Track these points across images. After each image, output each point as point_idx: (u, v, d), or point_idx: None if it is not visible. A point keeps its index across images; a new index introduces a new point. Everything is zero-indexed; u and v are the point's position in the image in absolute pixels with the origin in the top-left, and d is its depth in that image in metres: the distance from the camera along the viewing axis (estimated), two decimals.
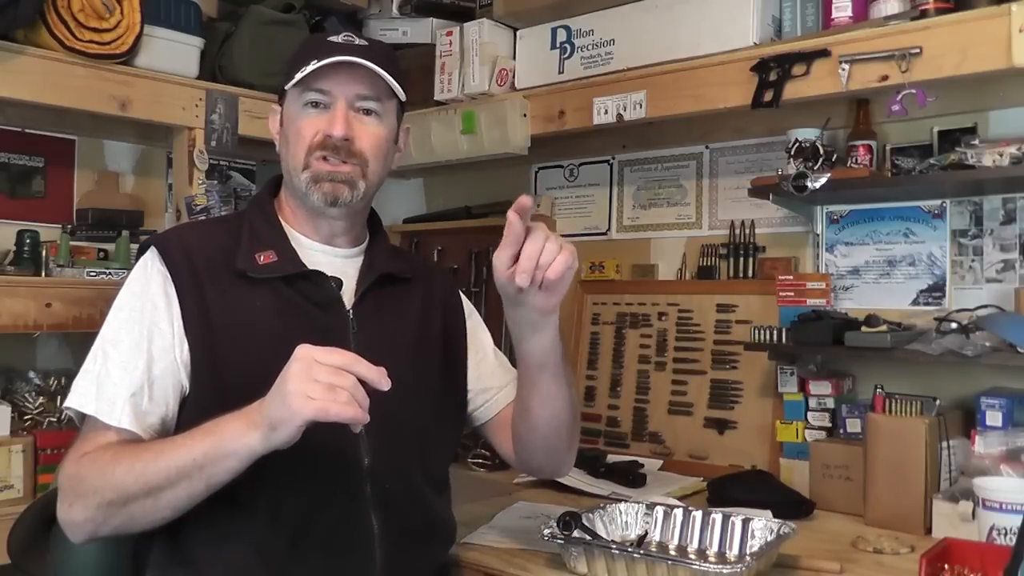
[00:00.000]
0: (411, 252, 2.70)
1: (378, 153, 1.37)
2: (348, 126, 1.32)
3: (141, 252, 1.34)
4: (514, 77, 2.39)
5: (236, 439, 1.10)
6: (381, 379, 1.08)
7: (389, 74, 1.34)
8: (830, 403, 1.97)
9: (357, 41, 1.35)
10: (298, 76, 1.32)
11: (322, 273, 1.35)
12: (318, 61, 1.30)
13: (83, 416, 1.24)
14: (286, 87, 1.37)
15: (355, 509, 1.27)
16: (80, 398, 1.23)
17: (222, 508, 1.19)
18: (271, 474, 1.16)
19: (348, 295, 1.36)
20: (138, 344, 1.24)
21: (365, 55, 1.32)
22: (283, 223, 1.40)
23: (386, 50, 1.42)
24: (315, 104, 1.34)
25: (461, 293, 1.58)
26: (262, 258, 1.32)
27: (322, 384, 1.05)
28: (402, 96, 1.39)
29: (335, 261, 1.39)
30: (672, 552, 1.52)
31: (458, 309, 1.55)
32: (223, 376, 1.24)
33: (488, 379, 1.52)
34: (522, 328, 1.28)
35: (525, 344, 1.30)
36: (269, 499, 1.22)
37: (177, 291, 1.27)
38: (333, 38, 1.35)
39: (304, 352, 1.08)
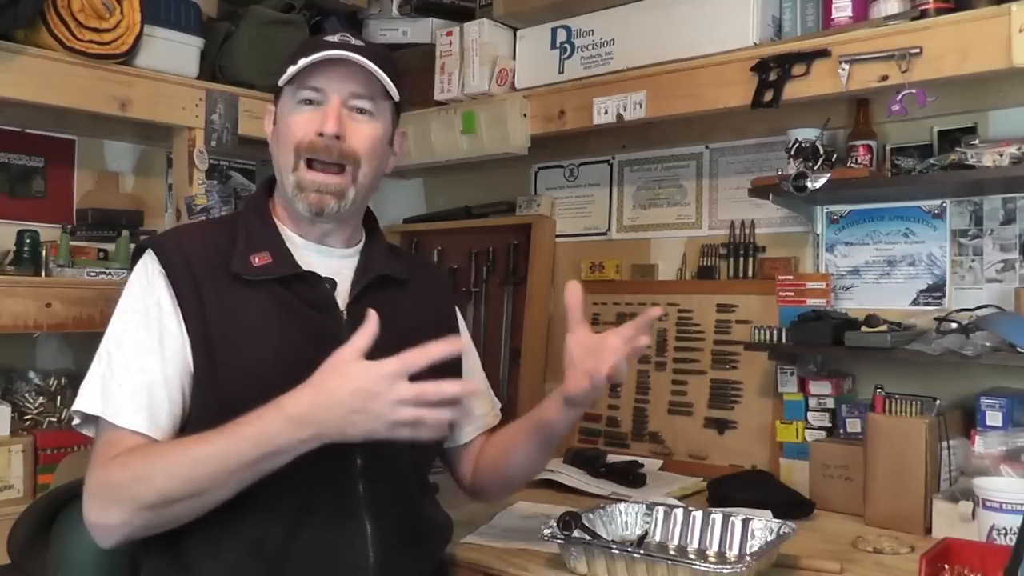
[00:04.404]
0: (409, 252, 2.68)
1: (371, 154, 1.35)
2: (340, 123, 1.30)
3: (137, 254, 1.34)
4: (514, 77, 2.38)
5: (287, 443, 1.12)
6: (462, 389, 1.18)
7: (385, 74, 1.33)
8: (830, 403, 1.97)
9: (353, 41, 1.34)
10: (291, 71, 1.31)
11: (316, 274, 1.34)
12: (313, 57, 1.30)
13: (92, 420, 1.24)
14: (280, 84, 1.36)
15: (347, 509, 1.27)
16: (87, 400, 1.23)
17: (216, 507, 1.18)
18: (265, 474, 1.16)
19: (343, 296, 1.36)
20: (148, 346, 1.24)
21: (360, 54, 1.31)
22: (277, 223, 1.39)
23: (382, 51, 1.41)
24: (308, 101, 1.33)
25: (457, 309, 1.57)
26: (257, 260, 1.31)
27: (408, 412, 1.12)
28: (396, 97, 1.37)
29: (330, 261, 1.38)
30: (672, 552, 1.52)
31: (452, 322, 1.54)
32: (221, 376, 1.24)
33: (475, 405, 1.51)
34: (563, 416, 1.36)
35: (554, 423, 1.38)
36: (262, 498, 1.21)
37: (176, 293, 1.26)
38: (329, 37, 1.35)
39: (375, 372, 1.12)
